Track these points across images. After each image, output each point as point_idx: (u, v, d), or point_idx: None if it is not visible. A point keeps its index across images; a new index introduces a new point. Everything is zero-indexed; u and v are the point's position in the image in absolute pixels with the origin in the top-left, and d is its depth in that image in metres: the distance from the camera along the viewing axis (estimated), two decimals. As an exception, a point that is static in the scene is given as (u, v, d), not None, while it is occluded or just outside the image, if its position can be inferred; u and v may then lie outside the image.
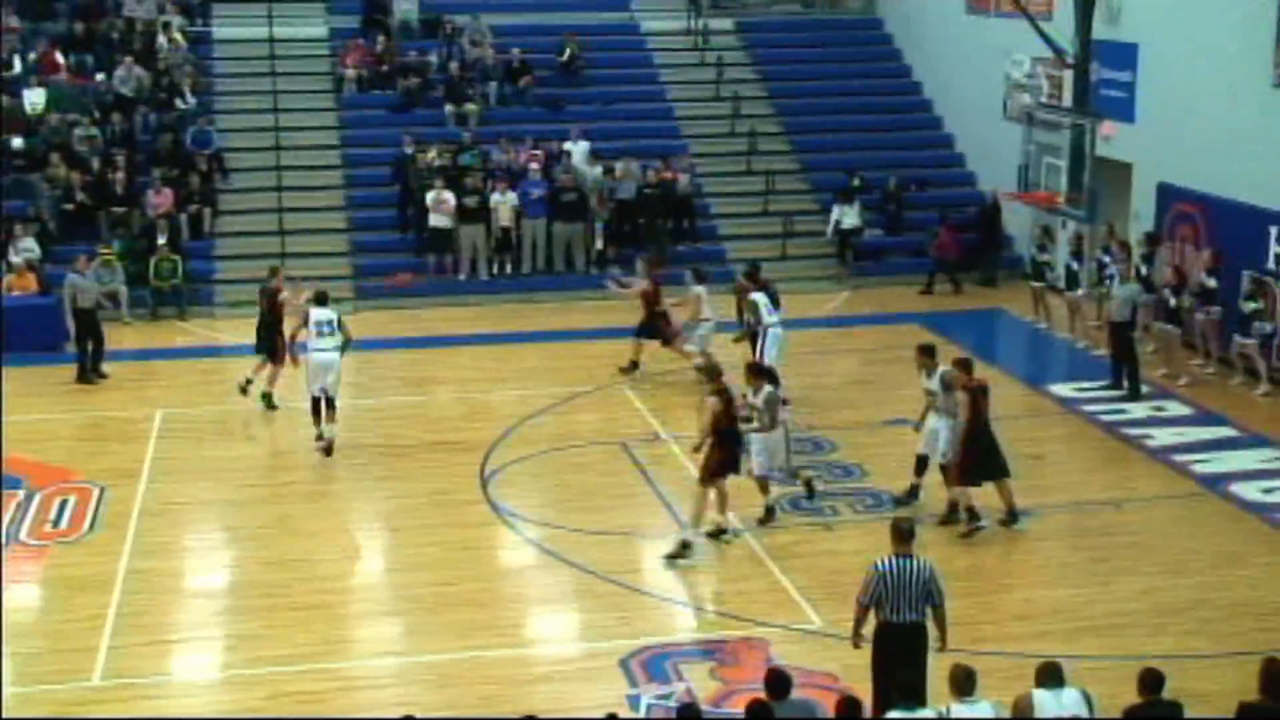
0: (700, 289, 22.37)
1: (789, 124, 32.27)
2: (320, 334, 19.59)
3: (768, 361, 20.08)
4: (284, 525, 17.22)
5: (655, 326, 22.66)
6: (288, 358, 20.77)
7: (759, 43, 34.71)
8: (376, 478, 18.88)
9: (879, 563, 11.95)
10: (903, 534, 12.13)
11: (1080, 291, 24.77)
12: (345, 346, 19.75)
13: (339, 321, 19.76)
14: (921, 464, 17.46)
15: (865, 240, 29.71)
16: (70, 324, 22.77)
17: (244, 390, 21.15)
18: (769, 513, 17.05)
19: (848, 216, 29.38)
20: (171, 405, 21.58)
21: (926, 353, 17.42)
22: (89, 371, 22.57)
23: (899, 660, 11.76)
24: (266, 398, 21.12)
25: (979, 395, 16.65)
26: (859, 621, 12.12)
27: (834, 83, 33.48)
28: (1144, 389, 21.60)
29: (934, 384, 17.08)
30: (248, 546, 16.76)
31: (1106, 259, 24.15)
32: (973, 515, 16.64)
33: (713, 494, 16.48)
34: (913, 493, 17.55)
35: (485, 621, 14.79)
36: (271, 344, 21.07)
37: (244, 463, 19.58)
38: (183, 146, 29.27)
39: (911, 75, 34.35)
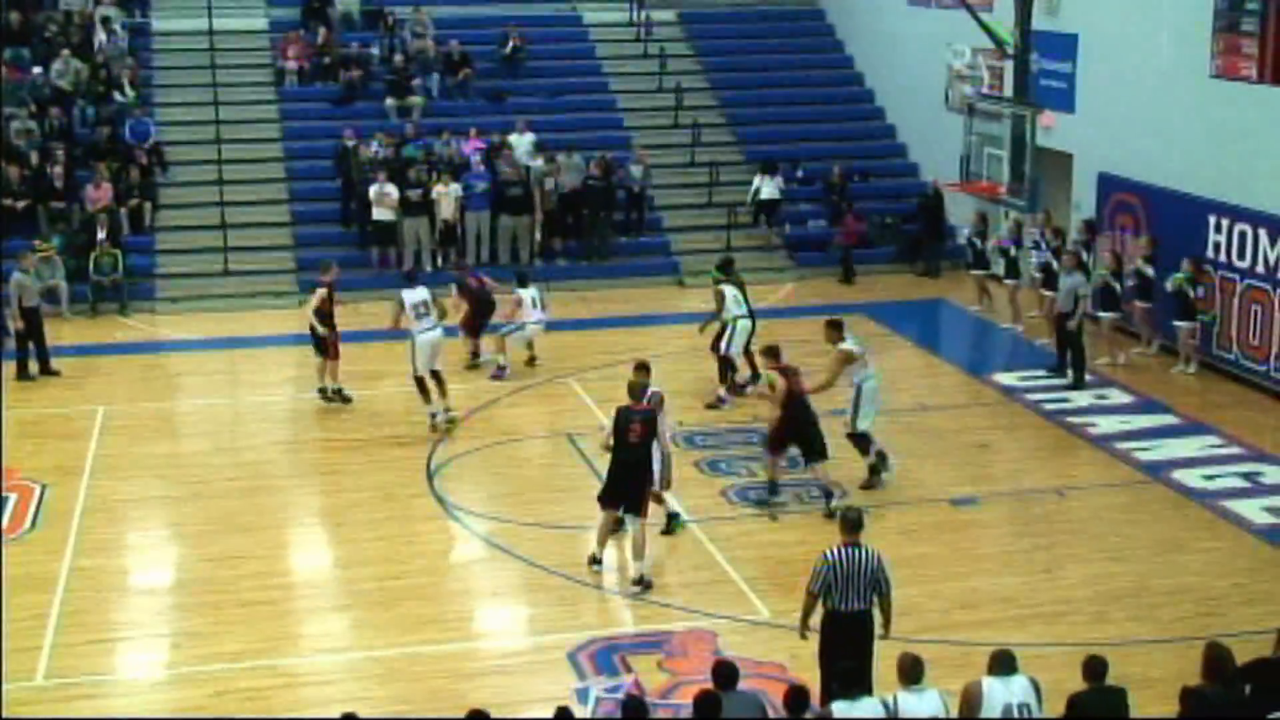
0: (524, 292, 22.38)
1: (732, 115, 32.31)
2: (419, 315, 19.85)
3: (730, 352, 21.09)
4: (228, 521, 17.10)
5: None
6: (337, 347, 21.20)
7: (701, 34, 34.74)
8: (321, 473, 18.79)
9: (828, 552, 11.99)
10: (850, 523, 12.18)
11: (1018, 280, 24.93)
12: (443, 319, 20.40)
13: (432, 299, 20.15)
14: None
15: (786, 213, 29.98)
16: (12, 323, 22.36)
17: (329, 397, 21.12)
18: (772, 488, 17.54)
19: (766, 187, 29.61)
20: (113, 401, 21.39)
21: (833, 327, 17.97)
22: (32, 371, 22.25)
23: (845, 649, 11.82)
24: (336, 393, 21.24)
25: (790, 375, 17.07)
26: (807, 611, 12.14)
27: (777, 74, 33.53)
28: (1087, 379, 21.74)
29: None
30: (191, 543, 16.63)
31: (1042, 244, 24.30)
32: (828, 493, 17.15)
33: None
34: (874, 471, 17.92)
35: (432, 615, 14.76)
36: (325, 339, 21.11)
37: (187, 459, 19.43)
38: (121, 140, 29.00)
39: (854, 66, 34.46)
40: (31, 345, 22.36)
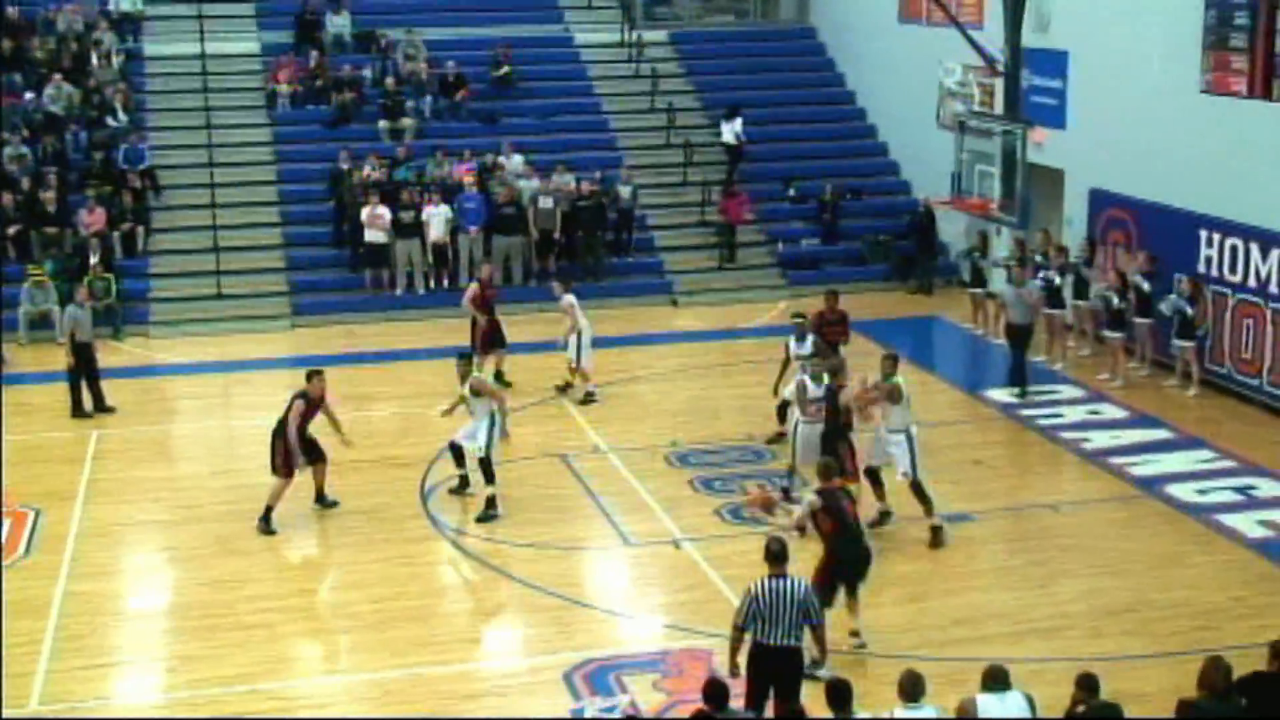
0: (571, 297, 22.26)
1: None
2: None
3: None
4: (222, 545, 17.07)
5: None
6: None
7: (693, 54, 34.80)
8: (315, 495, 18.77)
9: (752, 585, 11.88)
10: (773, 555, 12.02)
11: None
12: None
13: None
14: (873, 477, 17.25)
15: (778, 230, 30.15)
16: (66, 358, 21.79)
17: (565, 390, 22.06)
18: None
19: (726, 132, 30.98)
20: (107, 426, 21.37)
21: (892, 360, 17.24)
22: (87, 407, 21.83)
23: (771, 685, 11.74)
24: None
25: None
26: (734, 645, 11.98)
27: (768, 93, 33.57)
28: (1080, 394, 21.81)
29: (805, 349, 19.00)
30: (186, 567, 16.61)
31: (1048, 265, 24.34)
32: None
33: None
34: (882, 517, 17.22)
35: (427, 638, 14.73)
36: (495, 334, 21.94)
37: (182, 482, 19.40)
38: (115, 164, 29.01)
39: (845, 84, 34.54)
40: (85, 381, 21.82)
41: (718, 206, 30.04)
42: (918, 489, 16.84)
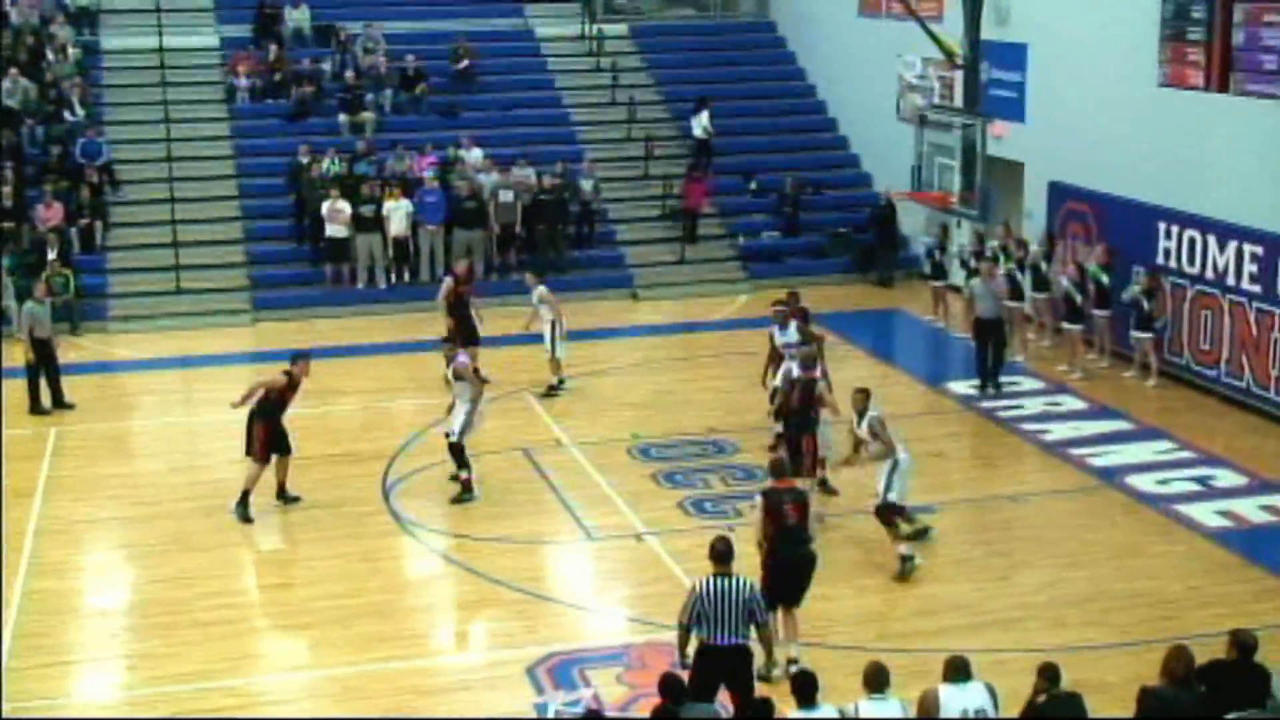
0: (543, 289, 22.12)
1: (685, 128, 32.33)
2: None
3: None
4: (182, 541, 16.98)
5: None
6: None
7: (653, 47, 34.81)
8: (277, 490, 18.68)
9: (697, 583, 11.87)
10: (717, 553, 11.97)
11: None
12: None
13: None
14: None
15: (740, 224, 29.91)
16: (25, 355, 21.76)
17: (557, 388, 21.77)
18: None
19: (696, 127, 31.17)
20: (65, 422, 21.23)
21: (861, 394, 16.34)
22: (45, 404, 21.68)
23: (721, 684, 11.68)
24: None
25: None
26: (681, 640, 11.96)
27: (729, 86, 33.60)
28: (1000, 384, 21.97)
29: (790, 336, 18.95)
30: (145, 564, 16.52)
31: (1003, 256, 24.41)
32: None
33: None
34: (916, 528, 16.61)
35: (390, 633, 14.69)
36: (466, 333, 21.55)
37: (141, 479, 19.31)
38: (72, 159, 28.83)
39: (805, 78, 34.59)
40: (44, 378, 21.73)
41: (679, 190, 30.07)
42: (884, 513, 15.86)
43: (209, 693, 13.49)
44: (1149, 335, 22.29)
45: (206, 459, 19.83)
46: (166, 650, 14.33)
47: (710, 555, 12.03)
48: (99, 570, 16.66)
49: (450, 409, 18.39)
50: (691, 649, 11.93)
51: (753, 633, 11.91)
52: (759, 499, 13.77)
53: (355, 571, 16.11)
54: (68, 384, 22.02)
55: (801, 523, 13.50)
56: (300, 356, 18.17)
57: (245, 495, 17.51)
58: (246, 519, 17.41)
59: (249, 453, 17.66)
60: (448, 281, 22.84)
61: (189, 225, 28.34)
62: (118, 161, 29.52)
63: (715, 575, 11.84)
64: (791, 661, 13.12)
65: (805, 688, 10.57)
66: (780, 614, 13.35)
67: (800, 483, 15.30)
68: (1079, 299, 22.81)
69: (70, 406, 21.77)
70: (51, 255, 26.20)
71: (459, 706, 13.16)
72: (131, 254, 28.13)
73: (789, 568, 13.46)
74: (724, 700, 12.33)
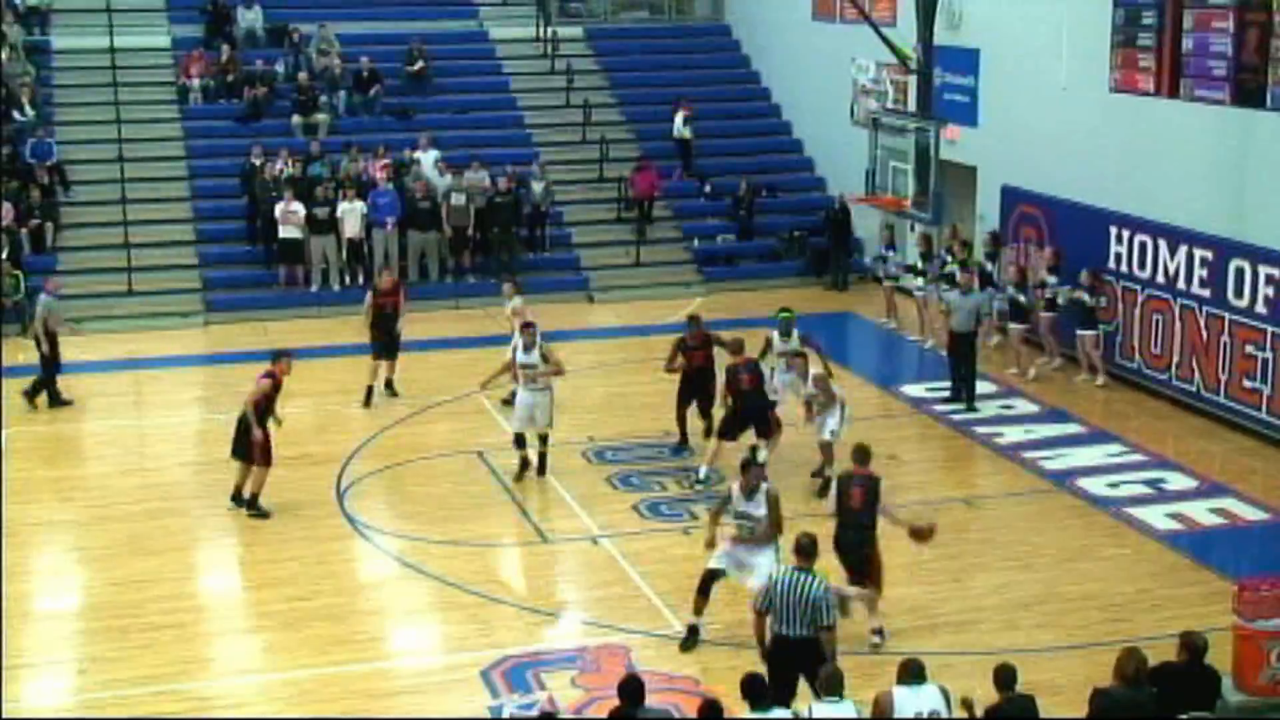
0: (518, 300, 21.94)
1: (640, 131, 32.38)
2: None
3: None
4: (134, 544, 16.87)
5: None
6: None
7: (608, 50, 34.83)
8: (229, 494, 18.57)
9: (773, 572, 12.30)
10: (801, 548, 12.29)
11: (925, 290, 25.14)
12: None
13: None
14: None
15: (694, 226, 29.98)
16: (41, 348, 21.89)
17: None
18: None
19: (678, 126, 31.63)
20: (15, 424, 21.05)
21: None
22: (58, 397, 21.95)
23: (793, 674, 11.86)
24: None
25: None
26: (757, 628, 12.26)
27: (683, 89, 33.56)
28: (978, 406, 21.66)
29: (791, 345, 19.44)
30: (96, 567, 16.41)
31: (948, 258, 24.56)
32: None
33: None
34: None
35: (344, 636, 14.64)
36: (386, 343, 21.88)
37: (91, 482, 19.19)
38: (21, 159, 28.58)
39: (760, 81, 34.68)
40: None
41: (627, 180, 30.14)
42: (827, 449, 18.15)
43: (162, 696, 13.41)
44: (1090, 332, 22.46)
45: (157, 462, 19.73)
46: (119, 654, 14.24)
47: (794, 549, 12.35)
48: (50, 573, 16.53)
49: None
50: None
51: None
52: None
53: (309, 575, 16.05)
54: (20, 385, 21.90)
55: (862, 508, 14.22)
56: (281, 355, 18.19)
57: (255, 499, 17.60)
58: (263, 515, 17.57)
59: (244, 459, 17.63)
60: (368, 297, 22.26)
61: (140, 226, 28.13)
62: (68, 162, 29.31)
63: (796, 569, 12.12)
64: (875, 632, 14.15)
65: (756, 689, 10.60)
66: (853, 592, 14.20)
67: (761, 444, 18.01)
68: (1021, 299, 22.97)
69: (68, 403, 22.10)
70: (1, 256, 25.99)
71: (413, 710, 13.13)
72: (82, 255, 27.92)
73: (841, 547, 14.31)
74: (679, 701, 12.39)
